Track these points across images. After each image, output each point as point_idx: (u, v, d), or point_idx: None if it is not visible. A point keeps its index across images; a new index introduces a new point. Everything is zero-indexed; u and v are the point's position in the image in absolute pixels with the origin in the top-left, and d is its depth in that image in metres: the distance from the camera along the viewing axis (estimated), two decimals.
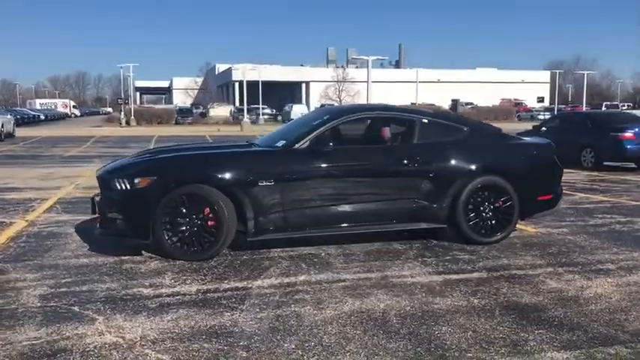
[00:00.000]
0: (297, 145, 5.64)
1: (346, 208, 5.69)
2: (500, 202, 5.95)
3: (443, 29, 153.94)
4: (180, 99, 75.24)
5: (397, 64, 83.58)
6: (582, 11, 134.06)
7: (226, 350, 3.35)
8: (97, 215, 5.88)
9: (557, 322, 3.77)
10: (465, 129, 6.19)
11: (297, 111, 55.03)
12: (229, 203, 5.32)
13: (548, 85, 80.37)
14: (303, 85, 74.25)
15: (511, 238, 6.09)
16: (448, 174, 5.85)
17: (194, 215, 5.30)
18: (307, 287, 4.54)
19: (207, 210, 5.29)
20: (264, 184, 5.41)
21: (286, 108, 56.57)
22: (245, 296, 4.33)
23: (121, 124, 46.21)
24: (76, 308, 4.09)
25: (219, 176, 5.37)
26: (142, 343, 3.46)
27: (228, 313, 3.96)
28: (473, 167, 5.91)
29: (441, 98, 66.85)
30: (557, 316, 3.87)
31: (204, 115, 57.43)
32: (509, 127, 39.54)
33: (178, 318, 3.88)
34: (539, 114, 60.46)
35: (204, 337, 3.55)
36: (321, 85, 66.97)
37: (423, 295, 4.33)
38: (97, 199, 5.77)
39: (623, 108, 55.82)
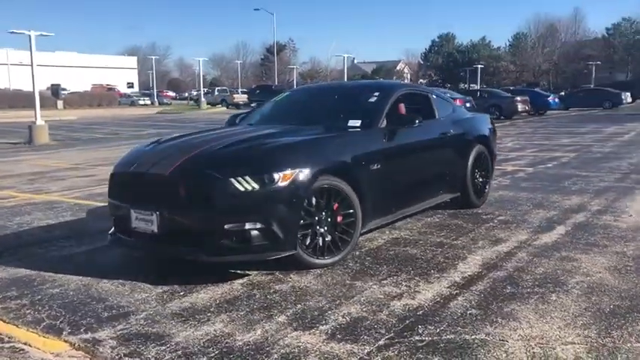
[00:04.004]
0: (379, 125, 5.24)
1: (419, 185, 5.63)
2: (483, 167, 6.79)
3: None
4: None
5: None
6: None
7: None
8: (158, 234, 4.18)
9: None
10: (452, 104, 6.76)
11: None
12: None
13: (136, 71, 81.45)
14: None
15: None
16: (464, 145, 6.36)
17: (324, 213, 4.44)
18: (515, 263, 4.53)
19: (336, 205, 4.50)
20: (375, 167, 4.92)
21: None
22: (518, 281, 4.09)
23: None
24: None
25: (349, 164, 4.65)
26: None
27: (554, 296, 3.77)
28: (474, 138, 6.57)
29: (23, 82, 60.19)
30: None
31: None
32: (143, 113, 39.16)
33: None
34: (139, 99, 61.21)
35: None
36: None
37: (611, 253, 4.87)
38: (166, 213, 4.12)
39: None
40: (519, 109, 27.37)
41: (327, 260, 4.42)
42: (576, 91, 43.91)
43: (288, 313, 3.55)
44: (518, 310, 3.52)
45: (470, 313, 3.48)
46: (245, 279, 4.23)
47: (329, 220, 4.45)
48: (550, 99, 32.50)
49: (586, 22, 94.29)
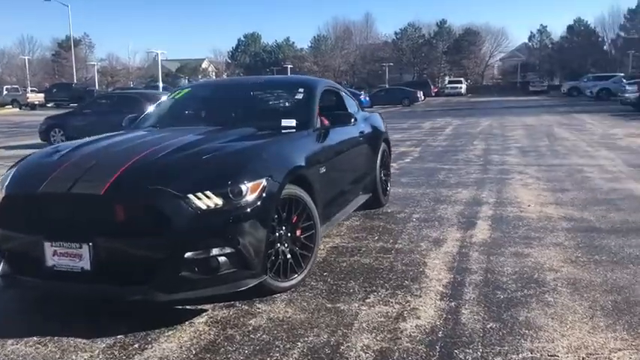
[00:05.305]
0: (315, 124, 4.75)
1: (347, 187, 5.25)
2: (386, 166, 6.66)
3: None
4: None
5: None
6: None
7: None
8: (101, 270, 3.25)
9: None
10: (356, 102, 6.48)
11: None
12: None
13: None
14: None
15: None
16: (374, 144, 6.13)
17: (284, 227, 3.85)
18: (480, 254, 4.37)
19: (295, 217, 3.94)
20: (322, 171, 4.45)
21: None
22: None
23: None
24: None
25: (305, 169, 4.09)
26: None
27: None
28: (380, 136, 6.38)
29: None
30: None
31: None
32: None
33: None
34: None
35: None
36: None
37: (552, 245, 4.94)
38: (103, 243, 3.22)
39: None
40: None
41: (293, 281, 3.82)
42: (378, 91, 47.28)
43: (295, 356, 2.91)
44: (533, 318, 3.30)
45: (491, 328, 3.18)
46: (205, 317, 3.45)
47: (289, 234, 3.84)
48: (362, 97, 34.39)
49: (377, 27, 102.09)
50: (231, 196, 3.31)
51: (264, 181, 3.47)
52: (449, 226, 5.49)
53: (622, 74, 44.45)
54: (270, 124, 4.59)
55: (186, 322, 3.35)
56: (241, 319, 3.38)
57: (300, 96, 5.00)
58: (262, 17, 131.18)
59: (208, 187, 3.28)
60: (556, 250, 4.63)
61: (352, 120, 4.88)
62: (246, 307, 3.56)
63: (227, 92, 5.52)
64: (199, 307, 3.56)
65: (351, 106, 6.00)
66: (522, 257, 4.45)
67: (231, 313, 3.49)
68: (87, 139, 4.25)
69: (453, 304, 3.54)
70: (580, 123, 18.47)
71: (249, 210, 3.36)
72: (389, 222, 5.75)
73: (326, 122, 5.00)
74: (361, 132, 5.70)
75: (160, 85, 35.22)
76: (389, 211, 6.27)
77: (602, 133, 14.68)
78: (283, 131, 4.52)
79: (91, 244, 3.14)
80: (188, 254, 3.19)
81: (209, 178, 3.34)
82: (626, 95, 24.04)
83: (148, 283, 3.17)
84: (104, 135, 4.39)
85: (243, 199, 3.34)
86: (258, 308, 3.55)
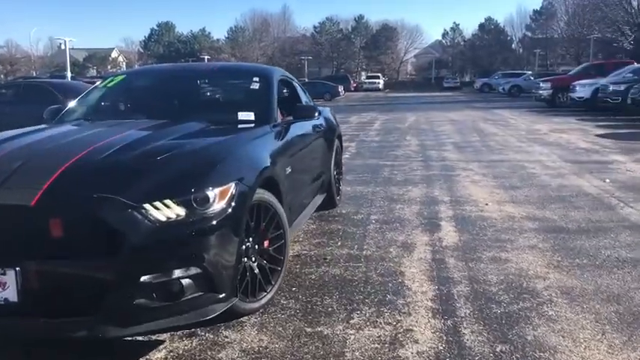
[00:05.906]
0: (276, 118, 4.23)
1: (306, 189, 4.76)
2: (338, 164, 6.24)
3: None
4: None
5: None
6: None
7: None
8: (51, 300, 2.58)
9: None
10: (306, 93, 5.99)
11: None
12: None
13: None
14: None
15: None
16: (329, 140, 5.68)
17: (252, 238, 3.31)
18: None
19: (263, 226, 3.41)
20: (288, 172, 3.94)
21: None
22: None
23: None
24: None
25: (272, 169, 3.55)
26: None
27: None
28: (334, 132, 5.94)
29: None
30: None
31: None
32: None
33: None
34: None
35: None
36: None
37: (528, 248, 4.67)
38: (35, 268, 2.56)
39: None
40: None
41: (262, 301, 3.29)
42: None
43: None
44: (541, 336, 2.96)
45: (502, 351, 2.80)
46: (163, 351, 2.86)
47: (256, 247, 3.30)
48: None
49: (294, 20, 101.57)
50: (195, 204, 2.73)
51: (233, 186, 2.90)
52: (412, 229, 5.12)
53: (530, 72, 46.60)
54: (222, 118, 4.03)
55: (142, 359, 2.73)
56: (209, 353, 2.81)
57: (256, 86, 4.43)
58: (176, 6, 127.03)
59: (168, 194, 2.68)
60: (534, 254, 4.35)
61: (316, 114, 4.38)
62: (212, 337, 2.99)
63: (170, 80, 4.82)
64: (153, 337, 2.95)
65: (305, 98, 5.49)
66: (502, 263, 4.13)
67: (194, 344, 2.91)
68: (3, 133, 3.48)
69: (449, 322, 3.14)
70: (502, 118, 18.89)
71: (217, 221, 2.79)
72: (347, 225, 5.30)
73: (281, 116, 4.48)
74: (320, 127, 5.24)
75: (69, 74, 33.02)
76: (344, 212, 5.83)
77: (527, 129, 14.99)
78: (240, 126, 3.95)
79: (18, 268, 2.46)
80: (144, 277, 2.58)
81: (168, 184, 2.74)
82: (540, 92, 24.95)
83: (94, 315, 2.52)
84: (26, 129, 3.64)
85: (210, 208, 2.77)
86: (226, 337, 2.99)
